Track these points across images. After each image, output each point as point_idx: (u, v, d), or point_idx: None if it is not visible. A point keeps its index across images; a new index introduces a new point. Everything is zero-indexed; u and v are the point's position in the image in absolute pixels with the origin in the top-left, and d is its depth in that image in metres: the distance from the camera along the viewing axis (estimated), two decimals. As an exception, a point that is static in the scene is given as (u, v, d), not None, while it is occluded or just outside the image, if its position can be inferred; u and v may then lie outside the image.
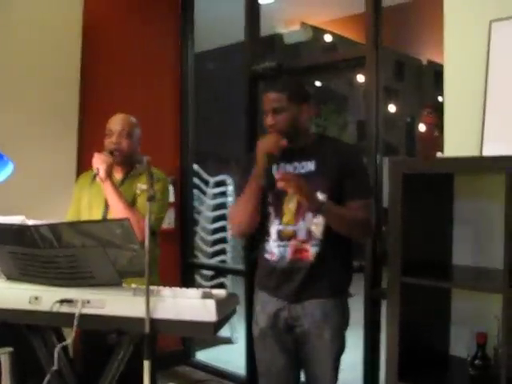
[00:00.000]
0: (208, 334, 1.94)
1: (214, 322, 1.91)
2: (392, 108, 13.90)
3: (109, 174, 2.59)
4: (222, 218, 5.49)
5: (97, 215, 2.66)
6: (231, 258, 5.50)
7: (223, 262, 5.43)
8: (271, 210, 2.35)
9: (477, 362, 1.98)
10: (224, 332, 5.18)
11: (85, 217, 2.70)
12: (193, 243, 4.81)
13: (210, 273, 5.33)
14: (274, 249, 2.34)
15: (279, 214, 2.32)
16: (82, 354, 2.69)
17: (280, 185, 2.13)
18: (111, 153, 2.66)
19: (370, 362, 3.24)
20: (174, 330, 2.01)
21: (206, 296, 1.97)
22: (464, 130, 2.28)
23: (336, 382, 2.39)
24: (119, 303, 2.00)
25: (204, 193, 5.48)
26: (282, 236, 2.32)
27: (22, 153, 3.24)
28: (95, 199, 2.72)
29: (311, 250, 2.27)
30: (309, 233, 2.28)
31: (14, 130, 3.28)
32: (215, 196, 5.52)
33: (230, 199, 5.49)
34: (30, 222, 1.97)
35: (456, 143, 2.31)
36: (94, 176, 2.58)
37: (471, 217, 2.19)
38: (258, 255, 2.46)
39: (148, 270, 1.91)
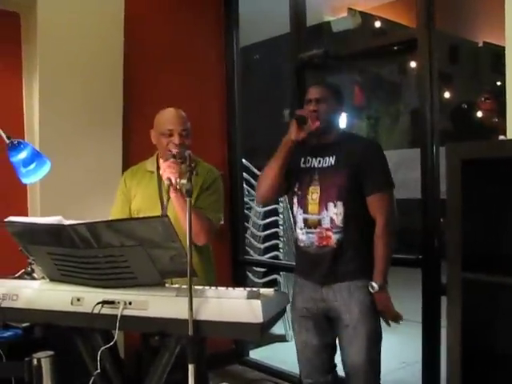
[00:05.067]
0: (254, 336, 1.86)
1: (260, 323, 1.81)
2: (446, 94, 13.37)
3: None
4: (274, 212, 5.37)
5: None
6: (284, 253, 5.36)
7: (276, 257, 5.30)
8: (295, 199, 2.59)
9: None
10: (278, 329, 5.08)
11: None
12: (244, 240, 4.71)
13: (262, 269, 5.21)
14: (303, 236, 2.56)
15: (303, 204, 2.55)
16: (143, 356, 2.61)
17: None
18: (174, 156, 2.48)
19: (429, 359, 3.09)
20: (218, 332, 1.91)
21: (251, 296, 1.88)
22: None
23: (374, 373, 2.49)
24: (162, 304, 1.94)
25: (254, 187, 5.36)
26: (308, 224, 2.53)
27: (68, 150, 3.25)
28: (148, 201, 2.62)
29: (333, 237, 2.47)
30: (332, 221, 2.47)
31: (60, 129, 3.27)
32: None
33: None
34: (68, 222, 1.90)
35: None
36: (168, 187, 2.38)
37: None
38: (294, 243, 2.67)
39: (190, 269, 1.83)
